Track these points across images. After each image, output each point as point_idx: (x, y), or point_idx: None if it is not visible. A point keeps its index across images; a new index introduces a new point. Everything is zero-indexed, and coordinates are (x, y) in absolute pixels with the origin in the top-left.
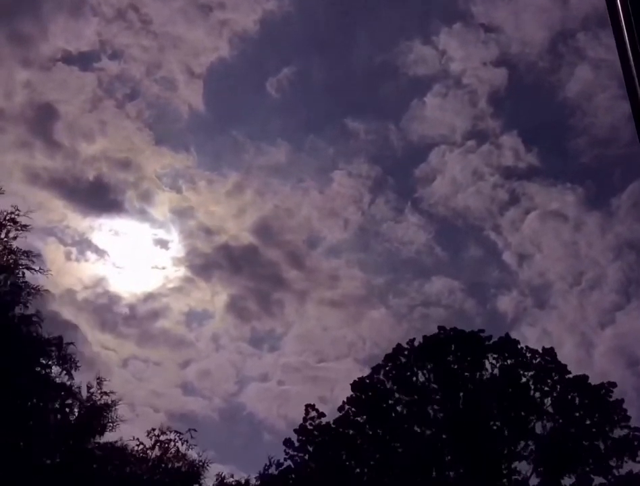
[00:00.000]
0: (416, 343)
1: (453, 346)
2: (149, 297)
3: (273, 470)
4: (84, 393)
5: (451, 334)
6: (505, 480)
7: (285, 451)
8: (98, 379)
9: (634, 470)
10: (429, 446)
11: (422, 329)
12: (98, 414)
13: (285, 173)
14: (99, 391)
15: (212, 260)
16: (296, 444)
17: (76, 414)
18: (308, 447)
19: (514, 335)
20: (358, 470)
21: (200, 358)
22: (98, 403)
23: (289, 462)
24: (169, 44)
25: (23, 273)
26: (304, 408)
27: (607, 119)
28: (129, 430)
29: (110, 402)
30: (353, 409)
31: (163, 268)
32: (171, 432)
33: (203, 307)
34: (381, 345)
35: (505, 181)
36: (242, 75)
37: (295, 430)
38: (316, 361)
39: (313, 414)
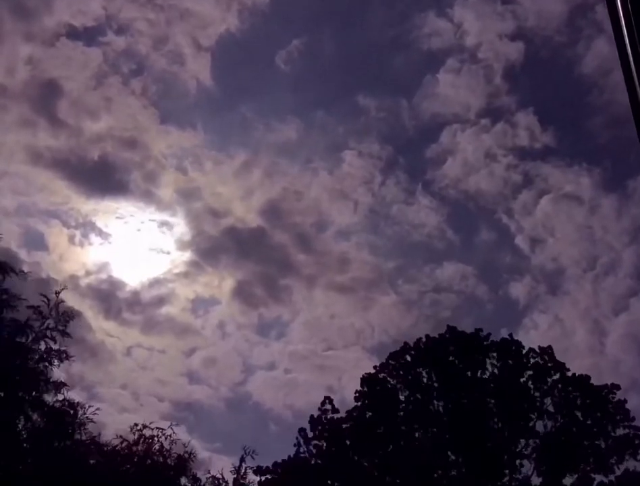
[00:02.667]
0: (422, 337)
1: (455, 347)
2: (154, 282)
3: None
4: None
5: (453, 334)
6: (507, 479)
7: (297, 439)
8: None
9: (634, 468)
10: (432, 445)
11: (433, 316)
12: (66, 414)
13: (294, 152)
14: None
15: (219, 244)
16: (310, 434)
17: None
18: (323, 442)
19: (525, 322)
20: (364, 465)
21: (206, 345)
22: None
23: (303, 448)
24: (176, 17)
25: (4, 277)
26: (311, 397)
27: (626, 97)
28: (134, 420)
29: (76, 403)
30: (360, 404)
31: (168, 252)
32: (153, 428)
33: (210, 293)
34: (390, 333)
35: (519, 162)
36: (251, 48)
37: (309, 421)
38: (323, 349)
39: (328, 407)
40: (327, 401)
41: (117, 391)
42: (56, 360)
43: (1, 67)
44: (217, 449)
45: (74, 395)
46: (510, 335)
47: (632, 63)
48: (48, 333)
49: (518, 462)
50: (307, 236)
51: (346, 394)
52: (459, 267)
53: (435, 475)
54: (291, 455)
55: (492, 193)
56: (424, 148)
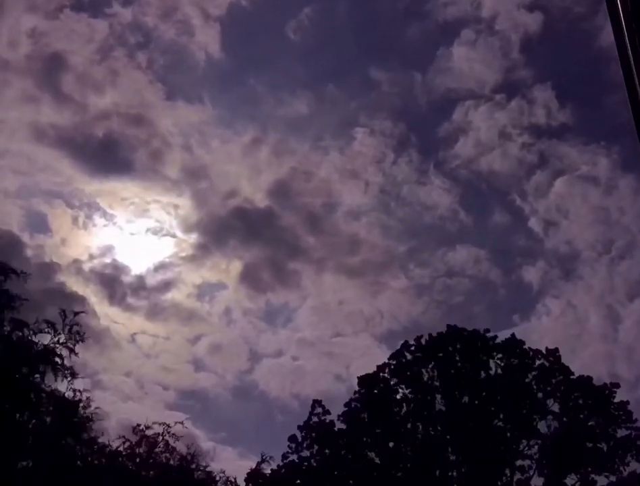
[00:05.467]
0: (427, 333)
1: (458, 345)
2: (160, 266)
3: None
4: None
5: (456, 333)
6: (508, 479)
7: (289, 446)
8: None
9: (637, 470)
10: (433, 445)
11: (445, 302)
12: (72, 412)
13: (304, 128)
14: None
15: (226, 225)
16: (299, 439)
17: (50, 415)
18: (314, 445)
19: (538, 307)
20: (361, 467)
21: (212, 332)
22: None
23: (294, 457)
24: None
25: (5, 278)
26: (319, 385)
27: None
28: (138, 409)
29: (84, 399)
30: (358, 405)
31: (174, 235)
32: (161, 425)
33: (216, 277)
34: (400, 319)
35: (535, 141)
36: (262, 18)
37: (299, 427)
38: (332, 335)
39: (319, 410)
40: (316, 405)
41: (121, 378)
42: (61, 375)
43: (3, 40)
44: (222, 439)
45: (78, 384)
46: (513, 335)
47: (632, 63)
48: (58, 348)
49: (519, 462)
50: (316, 217)
51: (355, 382)
52: (472, 251)
53: (437, 474)
54: (281, 464)
55: (506, 174)
56: (437, 126)
